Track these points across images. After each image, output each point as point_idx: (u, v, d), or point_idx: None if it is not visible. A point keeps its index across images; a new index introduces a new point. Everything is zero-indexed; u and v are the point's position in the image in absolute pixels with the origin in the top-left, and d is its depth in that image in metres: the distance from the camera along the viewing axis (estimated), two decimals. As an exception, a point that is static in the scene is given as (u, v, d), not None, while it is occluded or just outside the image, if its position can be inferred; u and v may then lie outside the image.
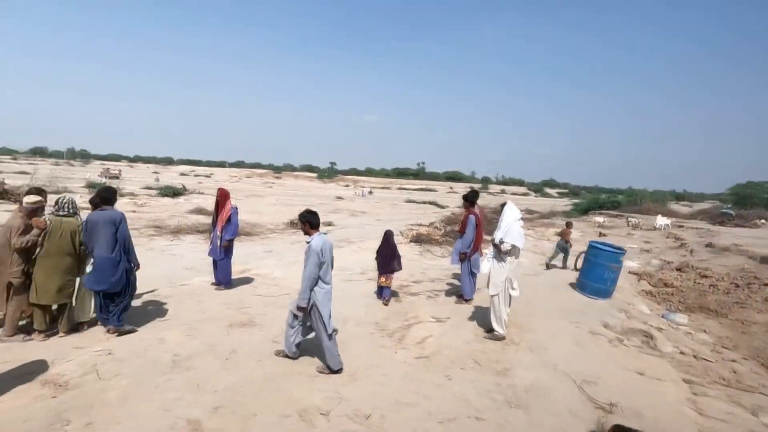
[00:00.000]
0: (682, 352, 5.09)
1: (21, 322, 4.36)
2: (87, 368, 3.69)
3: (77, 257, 4.35)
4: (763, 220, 22.75)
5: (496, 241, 4.81)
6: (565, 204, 43.04)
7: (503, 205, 5.16)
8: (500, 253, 4.81)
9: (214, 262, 6.38)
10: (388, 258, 6.17)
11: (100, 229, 4.26)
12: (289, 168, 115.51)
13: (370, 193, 42.68)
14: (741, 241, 14.89)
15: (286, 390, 3.57)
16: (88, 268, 4.36)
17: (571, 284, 7.73)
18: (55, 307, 4.37)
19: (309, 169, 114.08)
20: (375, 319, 5.42)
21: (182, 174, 62.57)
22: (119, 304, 4.47)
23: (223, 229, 6.21)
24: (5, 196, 14.75)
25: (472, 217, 6.15)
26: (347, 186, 55.51)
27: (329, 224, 17.71)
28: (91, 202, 4.74)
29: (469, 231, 6.11)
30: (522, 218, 5.01)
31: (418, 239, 11.45)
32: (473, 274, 6.21)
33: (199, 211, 17.34)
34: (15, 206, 4.66)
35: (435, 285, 7.37)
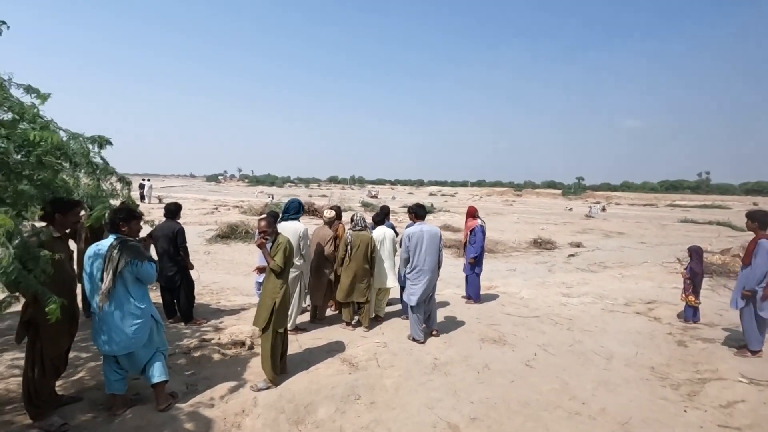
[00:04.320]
0: None
1: (327, 311, 5.73)
2: (370, 355, 4.47)
3: (371, 264, 5.35)
4: None
5: None
6: None
7: None
8: None
9: (466, 277, 6.73)
10: (699, 276, 5.87)
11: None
12: (530, 185, 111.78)
13: (603, 210, 36.13)
14: None
15: (543, 420, 3.34)
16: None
17: None
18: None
19: (552, 185, 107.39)
20: (650, 363, 4.47)
21: (431, 194, 69.67)
22: None
23: (467, 246, 6.49)
24: (316, 214, 19.89)
25: (763, 243, 4.37)
26: (598, 203, 49.01)
27: (578, 245, 16.06)
28: (373, 219, 5.81)
29: (761, 261, 4.35)
30: None
31: (707, 269, 8.95)
32: (761, 319, 4.42)
33: (446, 227, 18.76)
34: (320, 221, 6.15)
35: (736, 332, 5.53)
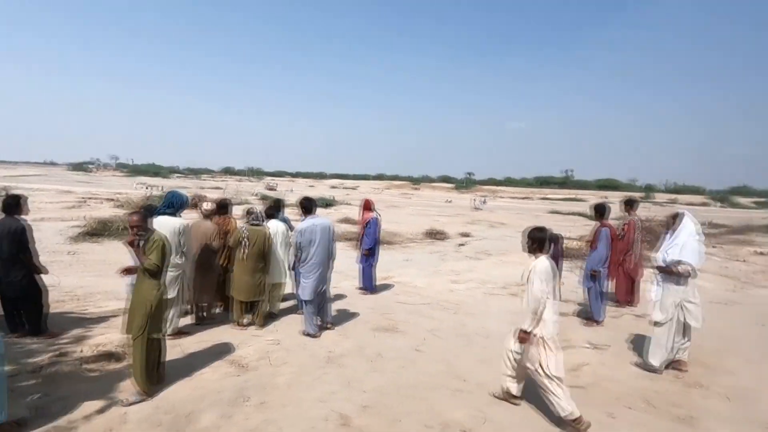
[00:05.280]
0: None
1: (216, 311, 5.36)
2: (262, 354, 4.31)
3: (267, 260, 5.11)
4: None
5: (667, 260, 4.05)
6: (763, 217, 34.15)
7: (676, 216, 4.31)
8: (672, 275, 4.07)
9: (361, 268, 6.87)
10: (559, 259, 6.05)
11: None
12: (427, 179, 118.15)
13: (484, 202, 40.31)
14: None
15: (430, 400, 3.57)
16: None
17: (784, 319, 6.02)
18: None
19: (446, 179, 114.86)
20: (520, 338, 5.07)
21: (333, 187, 69.52)
22: None
23: (362, 238, 6.65)
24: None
25: (604, 230, 5.35)
26: (485, 196, 54.06)
27: (467, 235, 17.46)
28: (265, 213, 5.58)
29: (602, 246, 5.31)
30: (701, 233, 4.20)
31: (568, 254, 10.41)
32: (603, 294, 5.47)
33: (347, 220, 18.90)
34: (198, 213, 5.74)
35: (585, 306, 6.57)
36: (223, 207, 5.47)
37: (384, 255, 11.39)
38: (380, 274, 8.03)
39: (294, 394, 3.57)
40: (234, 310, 5.07)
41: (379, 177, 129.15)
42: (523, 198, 57.84)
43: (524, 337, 3.28)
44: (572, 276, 8.53)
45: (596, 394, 3.78)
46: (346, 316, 5.67)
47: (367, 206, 6.75)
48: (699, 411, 3.48)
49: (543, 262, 3.30)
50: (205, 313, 5.22)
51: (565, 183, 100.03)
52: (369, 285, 6.82)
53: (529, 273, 3.32)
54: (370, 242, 6.55)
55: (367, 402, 3.49)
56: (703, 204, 65.55)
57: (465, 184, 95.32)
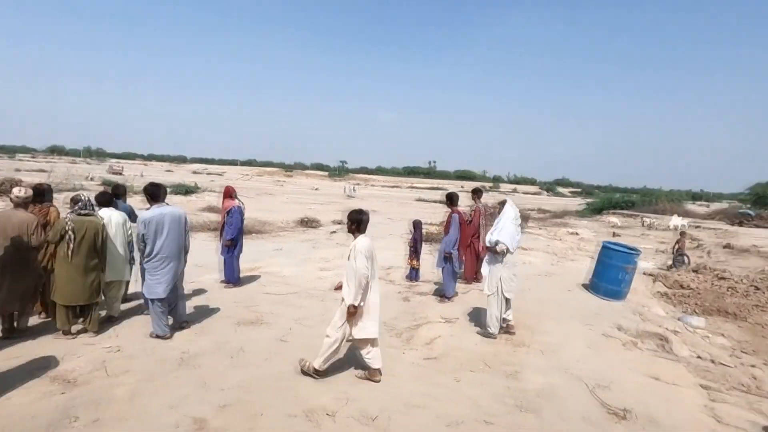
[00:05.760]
0: (699, 357, 4.94)
1: (32, 320, 4.42)
2: (96, 365, 3.71)
3: (102, 256, 4.38)
4: (783, 221, 22.08)
5: (491, 241, 4.72)
6: (578, 203, 42.43)
7: (502, 203, 5.07)
8: (494, 254, 4.76)
9: (223, 260, 6.41)
10: (419, 243, 7.09)
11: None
12: (300, 166, 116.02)
13: (354, 190, 42.05)
14: (761, 242, 14.48)
15: (294, 389, 3.54)
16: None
17: (584, 285, 7.58)
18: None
19: (320, 167, 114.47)
20: (384, 319, 5.36)
21: (195, 172, 63.24)
22: None
23: (224, 228, 6.22)
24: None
25: (455, 216, 6.05)
26: (358, 184, 55.54)
27: (340, 223, 17.73)
28: (96, 200, 4.76)
29: (453, 230, 6.01)
30: (518, 217, 4.95)
31: (428, 238, 11.37)
32: (455, 273, 6.18)
33: (211, 209, 17.46)
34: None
35: (441, 285, 7.31)
36: (39, 194, 4.50)
37: (253, 245, 10.87)
38: (246, 265, 7.63)
39: (137, 405, 3.17)
40: (57, 317, 4.24)
41: (249, 163, 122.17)
42: (393, 186, 61.18)
43: (353, 310, 3.53)
44: (431, 258, 9.35)
45: (447, 362, 4.23)
46: (204, 312, 5.24)
47: (228, 193, 6.30)
48: (522, 366, 4.17)
49: (363, 240, 3.61)
50: (16, 324, 4.26)
51: (429, 173, 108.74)
52: (232, 277, 6.41)
53: (350, 252, 3.60)
54: (232, 232, 6.14)
55: (226, 401, 3.30)
56: (537, 193, 78.30)
57: (339, 172, 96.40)
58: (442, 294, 6.21)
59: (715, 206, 38.60)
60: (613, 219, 23.97)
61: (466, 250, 6.69)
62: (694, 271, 10.06)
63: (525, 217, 18.78)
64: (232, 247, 6.25)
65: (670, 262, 10.64)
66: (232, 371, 3.79)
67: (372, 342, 3.71)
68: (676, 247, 10.81)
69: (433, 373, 3.99)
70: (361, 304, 3.57)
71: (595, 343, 4.92)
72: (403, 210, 26.93)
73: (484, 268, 4.91)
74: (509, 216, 4.79)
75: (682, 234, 11.66)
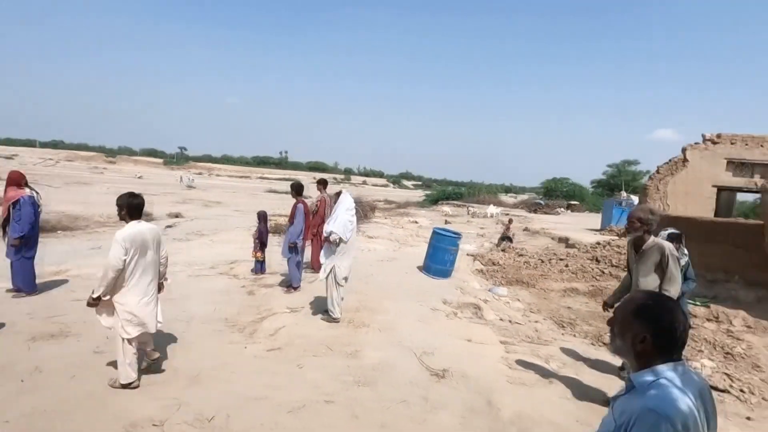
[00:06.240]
0: (501, 319, 6.06)
1: None
2: None
3: None
4: (561, 209, 28.53)
5: (326, 232, 4.93)
6: (419, 195, 46.96)
7: (338, 194, 5.30)
8: (329, 244, 4.98)
9: (10, 264, 5.15)
10: (265, 235, 6.95)
11: None
12: (127, 151, 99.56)
13: (192, 180, 37.86)
14: (547, 226, 18.38)
15: (111, 405, 3.10)
16: None
17: (419, 267, 8.48)
18: None
19: (152, 153, 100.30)
20: (224, 315, 5.09)
21: (-34, 154, 48.46)
22: None
23: (9, 224, 5.02)
24: None
25: (300, 206, 6.15)
26: (199, 173, 50.55)
27: (177, 216, 15.96)
28: None
29: (299, 221, 6.10)
30: (353, 208, 5.19)
31: (277, 230, 11.14)
32: (299, 263, 6.27)
33: (-6, 200, 13.75)
34: None
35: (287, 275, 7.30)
36: None
37: (60, 244, 9.01)
38: (49, 269, 6.32)
39: None
40: None
41: (55, 145, 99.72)
42: (242, 177, 57.68)
43: (93, 302, 3.27)
44: (279, 249, 9.21)
45: (290, 351, 4.25)
46: (-19, 330, 4.14)
47: (15, 181, 5.05)
48: (362, 345, 4.48)
49: (128, 229, 3.25)
50: None
51: (281, 164, 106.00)
52: (26, 284, 5.20)
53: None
54: (21, 228, 4.95)
55: (12, 430, 2.70)
56: (384, 185, 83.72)
57: (177, 159, 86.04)
58: (289, 284, 6.19)
59: (521, 197, 47.47)
60: (446, 209, 27.36)
61: (312, 239, 6.80)
62: (502, 250, 12.24)
63: (372, 208, 19.94)
64: (24, 247, 5.05)
65: (497, 242, 13.23)
66: (25, 396, 3.11)
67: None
68: (504, 229, 13.37)
69: (276, 363, 3.98)
70: (107, 298, 3.23)
71: (425, 316, 5.60)
72: (253, 201, 25.69)
73: (322, 257, 5.08)
74: (344, 206, 5.02)
75: (510, 221, 14.36)
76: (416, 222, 19.20)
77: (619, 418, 1.22)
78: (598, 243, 11.14)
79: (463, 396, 3.58)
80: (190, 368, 3.74)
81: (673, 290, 3.36)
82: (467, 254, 11.38)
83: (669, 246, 3.48)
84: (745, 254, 7.60)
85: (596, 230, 17.43)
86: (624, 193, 21.93)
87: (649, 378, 1.21)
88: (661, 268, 3.43)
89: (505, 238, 13.17)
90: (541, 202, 31.39)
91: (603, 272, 9.29)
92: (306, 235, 6.21)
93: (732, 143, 11.28)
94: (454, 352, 4.47)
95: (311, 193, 7.76)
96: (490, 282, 8.62)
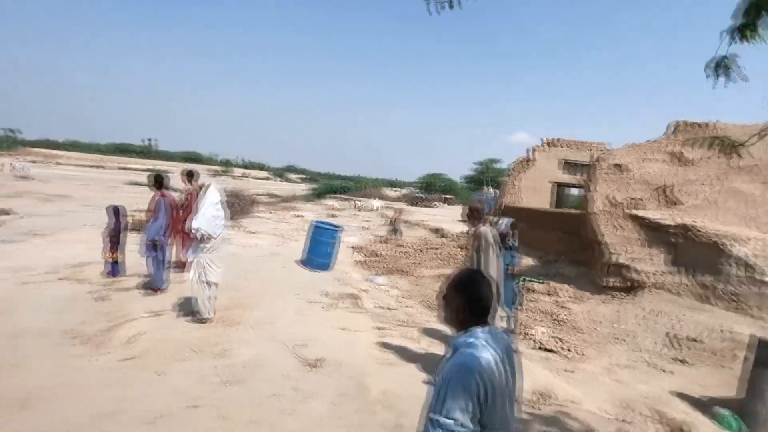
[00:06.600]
0: (379, 306, 6.38)
1: None
2: None
3: None
4: (438, 202, 30.99)
5: (192, 228, 4.63)
6: (304, 189, 46.25)
7: (205, 187, 5.00)
8: (196, 240, 4.71)
9: None
10: (119, 233, 6.15)
11: None
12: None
13: (23, 168, 31.00)
14: (425, 218, 19.75)
15: None
16: None
17: (300, 261, 8.42)
18: None
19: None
20: (65, 327, 4.40)
21: None
22: None
23: None
24: None
25: (162, 200, 5.68)
26: (33, 162, 41.98)
27: (6, 213, 13.14)
28: None
29: (161, 216, 5.62)
30: (220, 201, 4.92)
31: (137, 227, 9.94)
32: (164, 262, 5.76)
33: None
34: None
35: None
36: None
37: None
38: None
39: None
40: None
41: None
42: (95, 166, 49.78)
43: None
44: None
45: (149, 359, 3.88)
46: None
47: None
48: (233, 343, 4.30)
49: None
50: None
51: (146, 152, 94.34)
52: None
53: None
54: None
55: None
56: (267, 178, 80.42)
57: (7, 143, 70.24)
58: (151, 286, 5.61)
59: (404, 191, 50.02)
60: (332, 202, 27.53)
61: (179, 236, 6.24)
62: (383, 242, 12.84)
63: (253, 202, 19.06)
64: None
65: (387, 233, 14.04)
66: None
67: None
68: (393, 221, 14.20)
69: (132, 374, 3.60)
70: None
71: (302, 309, 5.61)
72: (110, 195, 22.40)
73: (189, 255, 4.73)
74: (211, 200, 4.72)
75: (398, 211, 15.16)
76: (301, 216, 18.93)
77: (441, 377, 1.42)
78: (465, 232, 12.43)
79: (335, 382, 3.70)
80: (16, 392, 3.17)
81: (486, 268, 3.94)
82: (351, 246, 11.67)
83: (486, 232, 4.07)
84: (571, 239, 9.24)
85: (464, 221, 19.37)
86: (488, 188, 24.71)
87: (466, 339, 1.44)
88: (481, 250, 4.02)
89: (394, 229, 13.99)
90: (421, 195, 33.59)
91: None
92: (171, 231, 5.68)
93: (566, 146, 13.57)
94: (330, 342, 4.58)
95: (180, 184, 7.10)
96: (371, 272, 8.99)
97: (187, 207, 6.48)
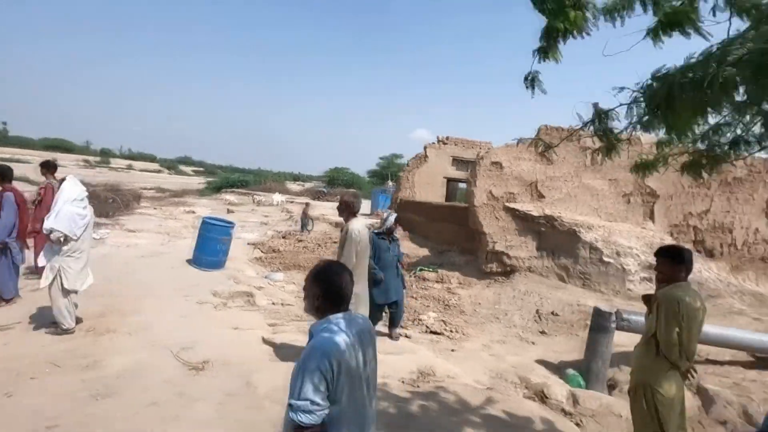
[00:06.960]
0: (273, 303, 6.29)
1: None
2: None
3: None
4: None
5: (45, 229, 4.05)
6: (199, 182, 42.97)
7: (61, 181, 4.43)
8: (51, 243, 4.14)
9: None
10: None
11: None
12: None
13: None
14: (327, 212, 19.76)
15: None
16: None
17: (189, 260, 7.88)
18: None
19: None
20: None
21: None
22: None
23: None
24: None
25: (9, 196, 4.86)
26: None
27: None
28: None
29: (8, 214, 4.81)
30: (82, 198, 4.35)
31: None
32: (16, 267, 5.01)
33: None
34: None
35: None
36: None
37: None
38: None
39: None
40: None
41: None
42: None
43: None
44: None
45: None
46: None
47: None
48: (105, 353, 3.90)
49: None
50: None
51: (-4, 138, 79.08)
52: None
53: None
54: None
55: None
56: (157, 171, 72.92)
57: None
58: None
59: (308, 185, 49.25)
60: (230, 197, 26.02)
61: (31, 237, 5.40)
62: (283, 237, 12.58)
63: (136, 197, 17.22)
64: None
65: (299, 227, 13.95)
66: None
67: None
68: (303, 216, 14.01)
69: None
70: None
71: (189, 311, 5.29)
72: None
73: (41, 259, 4.15)
74: (68, 197, 4.14)
75: (307, 205, 14.98)
76: (194, 212, 17.60)
77: (297, 362, 1.52)
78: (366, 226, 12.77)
79: (222, 383, 3.60)
80: None
81: (347, 261, 3.87)
82: (248, 243, 11.23)
83: (351, 228, 3.99)
84: (460, 229, 10.08)
85: (367, 214, 19.84)
86: (391, 183, 25.58)
87: (321, 325, 1.56)
88: (345, 244, 4.02)
89: (304, 223, 13.84)
90: (324, 190, 33.45)
91: (367, 251, 10.75)
92: (21, 232, 4.90)
93: (456, 144, 14.67)
94: (218, 343, 4.41)
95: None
96: (269, 269, 8.78)
97: (41, 203, 5.67)
